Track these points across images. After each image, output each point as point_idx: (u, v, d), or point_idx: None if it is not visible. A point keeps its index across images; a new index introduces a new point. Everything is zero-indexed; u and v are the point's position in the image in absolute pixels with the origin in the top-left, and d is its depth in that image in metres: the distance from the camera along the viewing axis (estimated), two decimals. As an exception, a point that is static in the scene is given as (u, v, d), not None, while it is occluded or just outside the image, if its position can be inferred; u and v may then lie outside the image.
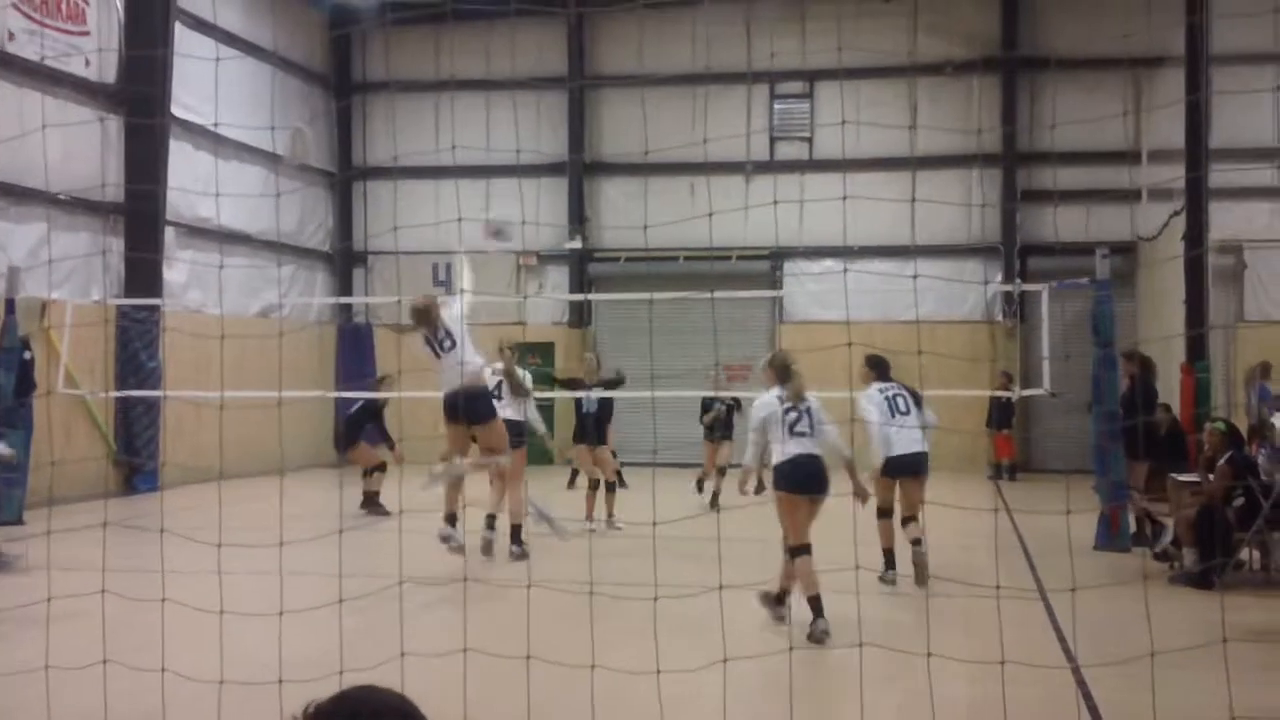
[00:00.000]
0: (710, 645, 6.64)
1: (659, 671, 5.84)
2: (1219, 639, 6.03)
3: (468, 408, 11.16)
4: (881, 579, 11.10)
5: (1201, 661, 6.88)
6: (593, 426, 14.96)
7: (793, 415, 9.40)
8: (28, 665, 6.60)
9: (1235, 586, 10.87)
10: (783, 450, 9.32)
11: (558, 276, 26.03)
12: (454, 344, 11.32)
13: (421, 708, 1.83)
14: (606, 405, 15.04)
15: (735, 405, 17.98)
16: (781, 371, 9.60)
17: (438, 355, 11.43)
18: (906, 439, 11.09)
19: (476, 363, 11.70)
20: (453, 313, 11.60)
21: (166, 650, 6.29)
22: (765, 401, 9.54)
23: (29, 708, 6.30)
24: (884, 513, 11.27)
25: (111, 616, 6.50)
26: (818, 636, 8.71)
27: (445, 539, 11.38)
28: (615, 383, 15.43)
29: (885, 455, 11.14)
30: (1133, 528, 13.61)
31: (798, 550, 9.14)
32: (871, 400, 11.21)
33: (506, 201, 23.72)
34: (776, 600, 9.47)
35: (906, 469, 11.20)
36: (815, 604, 8.90)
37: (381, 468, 16.71)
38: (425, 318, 11.48)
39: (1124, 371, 13.78)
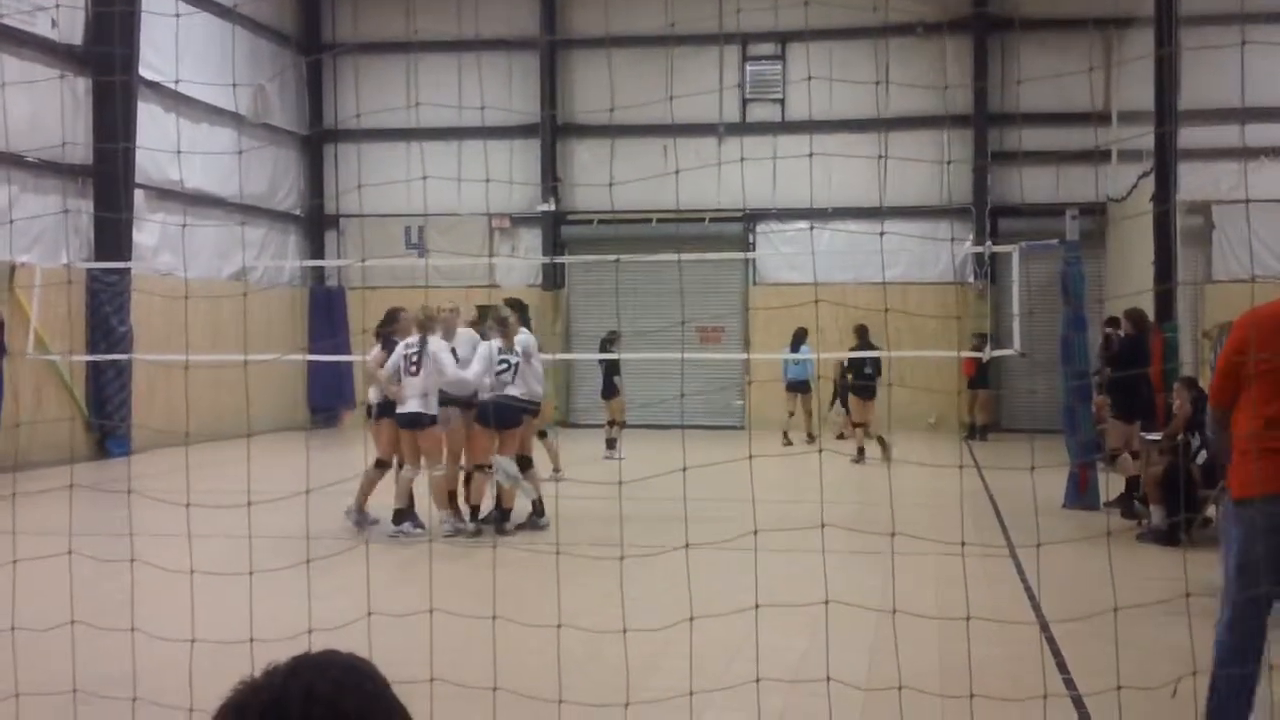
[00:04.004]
0: (677, 605, 6.69)
1: (625, 631, 5.88)
2: (1183, 594, 6.11)
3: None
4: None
5: (1166, 617, 6.97)
6: None
7: (502, 364, 11.74)
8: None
9: (1202, 543, 10.98)
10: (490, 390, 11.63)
11: (530, 239, 25.96)
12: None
13: (388, 666, 1.85)
14: None
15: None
16: (501, 325, 12.00)
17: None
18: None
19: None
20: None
21: (136, 612, 6.30)
22: (490, 347, 11.80)
23: (-3, 670, 6.31)
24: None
25: (80, 579, 6.50)
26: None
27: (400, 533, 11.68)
28: None
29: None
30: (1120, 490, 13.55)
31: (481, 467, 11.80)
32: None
33: (478, 163, 23.62)
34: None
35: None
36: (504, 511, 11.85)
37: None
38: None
39: (1124, 331, 13.81)
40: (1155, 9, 15.70)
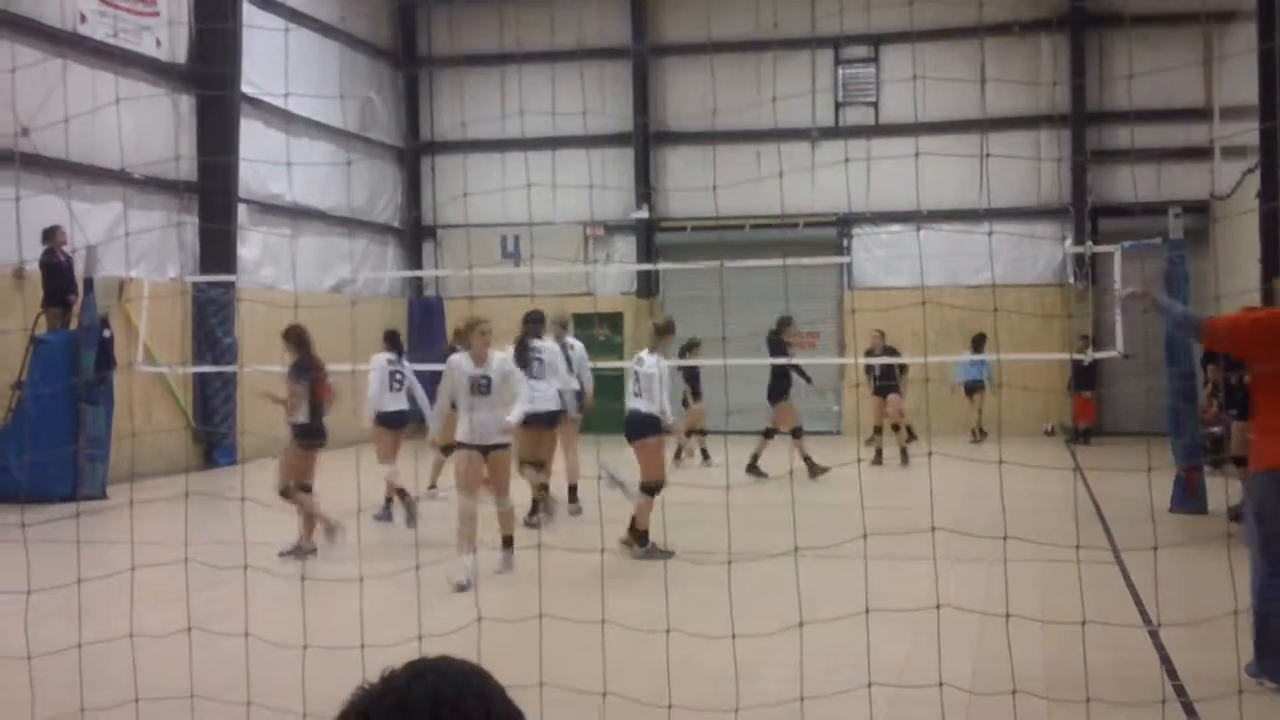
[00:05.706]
0: (784, 610, 6.67)
1: (734, 636, 5.88)
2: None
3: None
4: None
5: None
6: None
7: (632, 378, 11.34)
8: (113, 634, 6.76)
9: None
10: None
11: (624, 246, 26.05)
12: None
13: (496, 671, 1.87)
14: None
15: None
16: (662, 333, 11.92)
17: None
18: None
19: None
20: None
21: (243, 618, 6.43)
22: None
23: (116, 677, 6.46)
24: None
25: (194, 586, 6.64)
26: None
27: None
28: None
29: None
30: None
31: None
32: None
33: (572, 172, 23.73)
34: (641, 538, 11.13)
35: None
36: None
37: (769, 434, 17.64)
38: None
39: None
40: (1258, 2, 15.36)
